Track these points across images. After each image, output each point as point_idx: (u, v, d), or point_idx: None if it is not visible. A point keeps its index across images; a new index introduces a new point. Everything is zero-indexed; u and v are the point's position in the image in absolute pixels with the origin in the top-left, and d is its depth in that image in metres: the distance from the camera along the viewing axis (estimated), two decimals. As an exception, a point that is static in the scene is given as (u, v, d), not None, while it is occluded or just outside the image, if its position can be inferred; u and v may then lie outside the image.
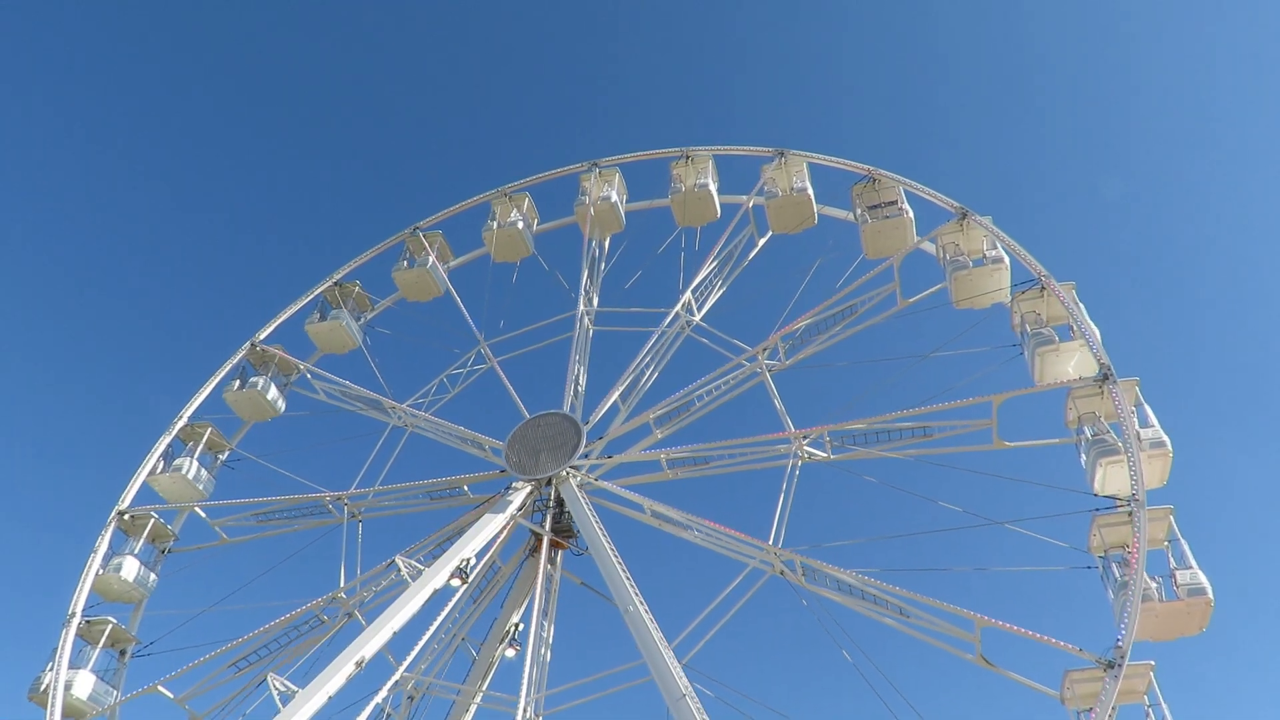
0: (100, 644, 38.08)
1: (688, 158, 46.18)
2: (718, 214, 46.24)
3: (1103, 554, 30.00)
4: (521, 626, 37.63)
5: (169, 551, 42.20)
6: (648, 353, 40.53)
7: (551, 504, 37.14)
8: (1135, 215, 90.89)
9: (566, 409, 39.79)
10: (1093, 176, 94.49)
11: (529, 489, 37.48)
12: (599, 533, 35.85)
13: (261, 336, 46.09)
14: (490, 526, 35.91)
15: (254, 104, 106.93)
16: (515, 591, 38.77)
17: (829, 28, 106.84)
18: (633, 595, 33.71)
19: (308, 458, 47.11)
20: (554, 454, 37.81)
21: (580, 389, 40.97)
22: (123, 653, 39.13)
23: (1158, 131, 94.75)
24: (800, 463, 35.30)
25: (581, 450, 37.85)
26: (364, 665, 31.13)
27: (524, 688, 31.73)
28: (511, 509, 36.64)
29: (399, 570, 34.40)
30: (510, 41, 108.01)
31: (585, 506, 36.64)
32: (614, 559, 34.98)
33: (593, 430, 39.04)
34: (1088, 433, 32.56)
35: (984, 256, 38.97)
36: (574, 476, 37.43)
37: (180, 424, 43.50)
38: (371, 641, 31.44)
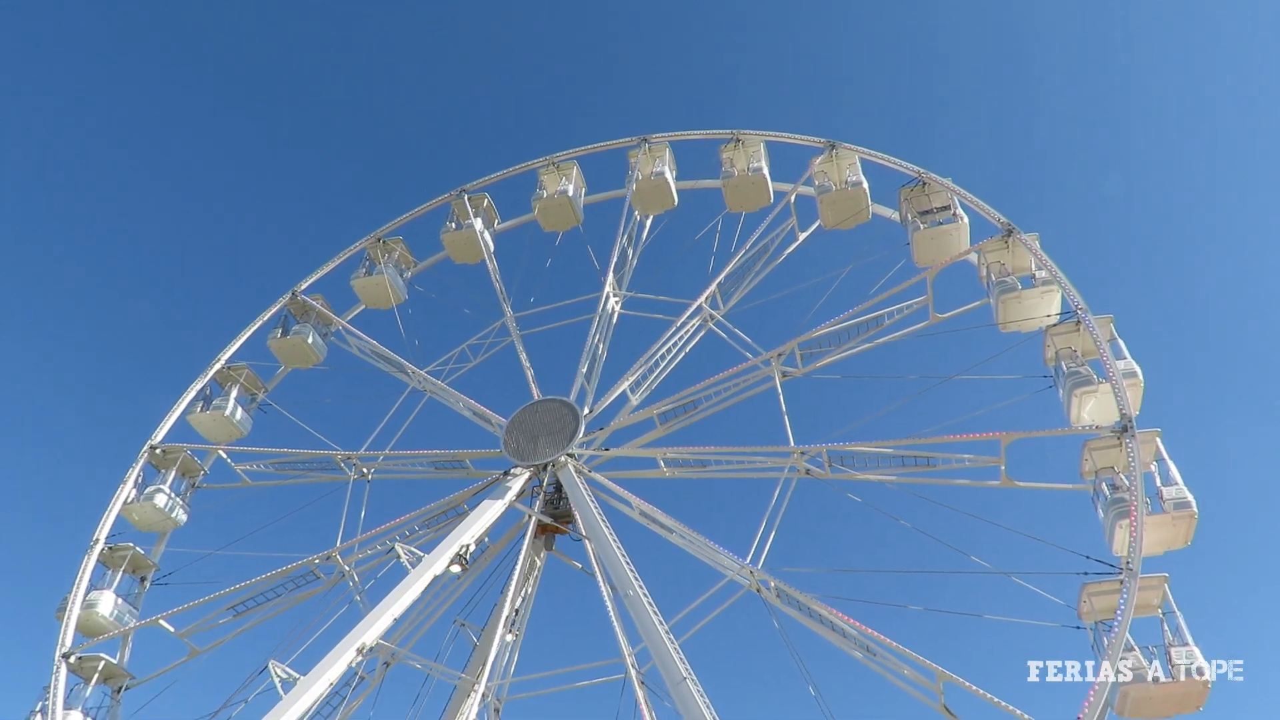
0: (121, 569, 40.20)
1: (738, 141, 44.64)
2: (770, 200, 44.70)
3: (1093, 621, 28.20)
4: (520, 611, 37.84)
5: (198, 486, 44.03)
6: (665, 343, 39.71)
7: (546, 487, 37.11)
8: (1135, 211, 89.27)
9: (575, 392, 39.46)
10: (1092, 172, 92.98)
11: (528, 475, 37.46)
12: (598, 518, 35.73)
13: (303, 287, 47.15)
14: (489, 513, 36.04)
15: (298, 66, 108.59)
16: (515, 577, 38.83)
17: (830, 21, 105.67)
18: (632, 579, 33.53)
19: (333, 411, 48.22)
20: (552, 441, 37.62)
21: (595, 373, 40.46)
22: (143, 579, 41.25)
23: (1158, 127, 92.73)
24: (797, 478, 34.29)
25: (579, 438, 37.57)
26: (365, 652, 31.68)
27: (486, 669, 32.09)
28: (510, 495, 36.72)
29: (399, 557, 34.64)
30: (562, 15, 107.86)
31: (584, 492, 36.51)
32: (613, 544, 34.80)
33: (597, 419, 38.72)
34: (1106, 490, 30.47)
35: (1033, 277, 36.57)
36: (571, 464, 37.23)
37: (218, 366, 45.08)
38: (373, 629, 31.79)
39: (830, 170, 42.59)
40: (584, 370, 39.99)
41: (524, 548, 35.47)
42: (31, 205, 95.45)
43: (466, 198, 48.23)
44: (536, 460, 37.38)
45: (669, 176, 46.47)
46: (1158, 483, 30.33)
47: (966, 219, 39.41)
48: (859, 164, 42.44)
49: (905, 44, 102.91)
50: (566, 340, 44.42)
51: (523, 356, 41.81)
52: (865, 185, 42.45)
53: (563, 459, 37.22)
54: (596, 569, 33.89)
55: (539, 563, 37.62)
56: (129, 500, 41.59)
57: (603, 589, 33.27)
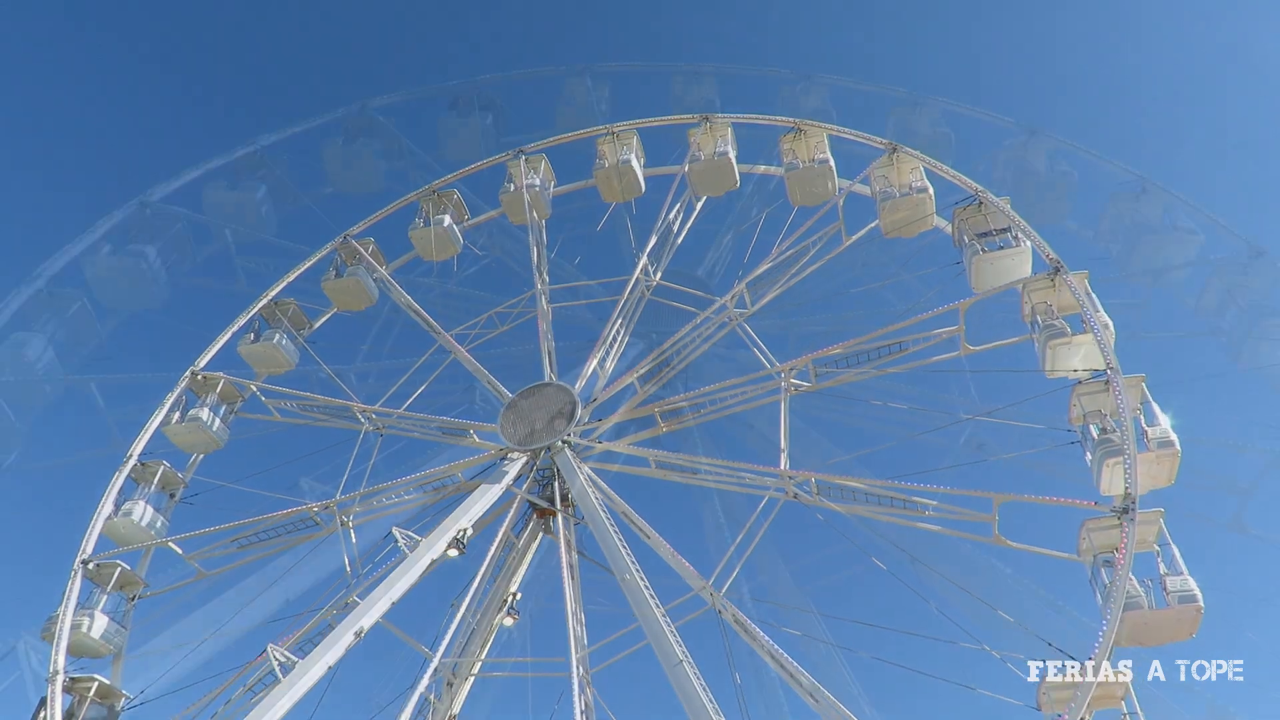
0: (153, 484, 42.31)
1: (800, 131, 42.44)
2: (834, 193, 42.57)
3: (1051, 714, 26.41)
4: (519, 596, 38.38)
5: (236, 414, 45.79)
6: (683, 338, 38.67)
7: (537, 469, 37.13)
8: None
9: (586, 377, 39.05)
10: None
11: (524, 459, 37.46)
12: (595, 503, 35.62)
13: (355, 232, 47.83)
14: (486, 497, 36.32)
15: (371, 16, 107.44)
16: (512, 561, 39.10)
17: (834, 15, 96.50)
18: (629, 564, 33.68)
19: (362, 358, 49.22)
20: (548, 427, 37.44)
21: (611, 359, 39.84)
22: (172, 495, 43.34)
23: (1159, 126, 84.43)
24: (783, 500, 33.16)
25: (574, 428, 37.26)
26: (363, 636, 32.46)
27: (442, 646, 32.68)
28: (507, 480, 36.86)
29: (396, 541, 35.03)
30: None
31: (581, 477, 36.30)
32: (610, 528, 34.83)
33: (600, 408, 38.25)
34: (1104, 576, 28.19)
35: (1083, 321, 33.66)
36: (567, 450, 37.02)
37: (264, 301, 46.43)
38: (370, 613, 32.54)
39: (890, 174, 40.18)
40: (598, 355, 39.46)
41: (503, 529, 35.74)
42: (85, 134, 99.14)
43: (524, 159, 47.70)
44: (531, 445, 37.34)
45: (732, 156, 44.78)
46: (1161, 569, 27.96)
47: (1028, 245, 36.50)
48: (922, 170, 39.89)
49: (899, 41, 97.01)
50: (597, 316, 43.97)
51: (542, 334, 41.49)
52: (931, 191, 39.93)
53: (558, 444, 37.05)
54: (563, 553, 34.02)
55: (532, 545, 37.90)
56: (170, 421, 43.56)
57: (565, 575, 33.49)
